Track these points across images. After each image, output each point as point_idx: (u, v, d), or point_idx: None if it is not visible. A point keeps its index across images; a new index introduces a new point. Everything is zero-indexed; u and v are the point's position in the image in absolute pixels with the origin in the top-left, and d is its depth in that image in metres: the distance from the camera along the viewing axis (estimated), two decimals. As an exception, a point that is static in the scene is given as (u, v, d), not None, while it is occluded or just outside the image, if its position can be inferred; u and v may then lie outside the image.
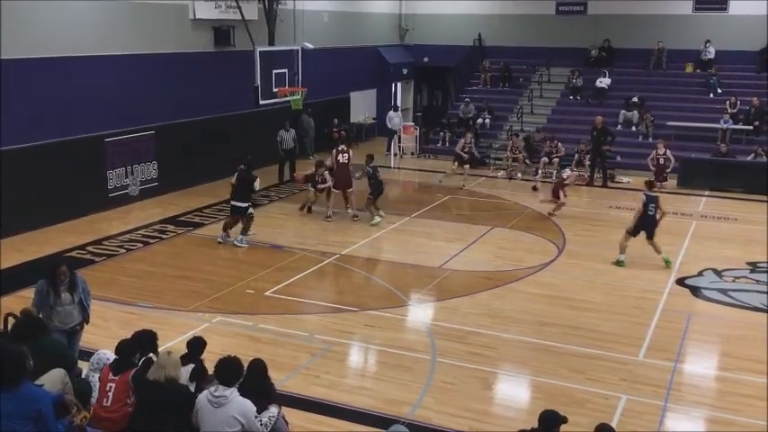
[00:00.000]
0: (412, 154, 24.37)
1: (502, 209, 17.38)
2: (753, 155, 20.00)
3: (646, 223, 13.00)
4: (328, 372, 9.03)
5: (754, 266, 13.13)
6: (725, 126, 21.33)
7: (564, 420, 5.79)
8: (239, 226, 13.98)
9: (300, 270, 12.73)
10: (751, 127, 21.19)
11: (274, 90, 17.63)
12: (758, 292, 11.96)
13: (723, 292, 11.95)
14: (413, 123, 25.73)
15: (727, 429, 7.93)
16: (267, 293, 11.62)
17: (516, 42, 26.53)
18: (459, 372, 9.07)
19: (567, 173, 17.06)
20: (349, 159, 15.96)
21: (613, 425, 7.41)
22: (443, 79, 29.00)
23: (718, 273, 12.81)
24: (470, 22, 27.32)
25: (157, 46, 17.28)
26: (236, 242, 13.89)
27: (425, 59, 28.43)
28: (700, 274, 12.73)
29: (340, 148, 16.17)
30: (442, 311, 11.14)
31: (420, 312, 11.22)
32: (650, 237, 13.04)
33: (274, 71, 17.63)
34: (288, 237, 14.62)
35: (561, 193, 16.40)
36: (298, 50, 18.41)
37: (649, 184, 13.52)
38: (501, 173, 21.02)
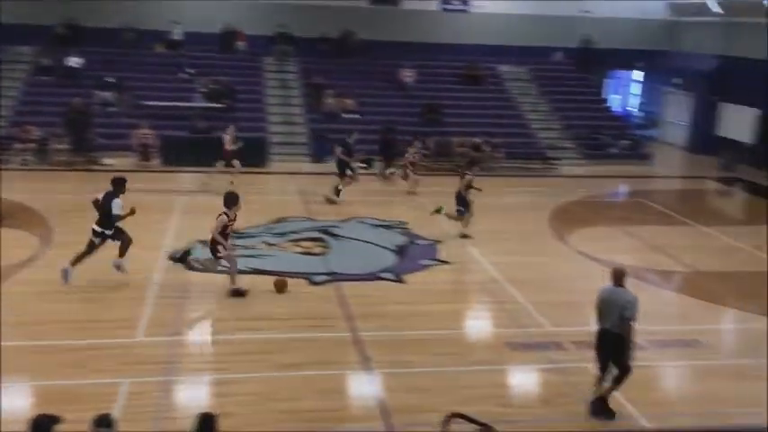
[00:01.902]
0: None
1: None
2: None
3: None
4: None
5: (238, 234, 14.26)
6: (198, 104, 22.65)
7: (57, 420, 5.47)
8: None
9: None
10: (221, 105, 22.88)
11: None
12: (243, 256, 13.01)
13: (212, 261, 12.74)
14: None
15: (224, 387, 8.69)
16: None
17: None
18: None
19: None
20: None
21: (118, 410, 7.55)
22: None
23: (205, 244, 13.60)
24: None
25: None
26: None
27: None
28: (189, 248, 13.28)
29: None
30: None
31: None
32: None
33: None
34: None
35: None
36: None
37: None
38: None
